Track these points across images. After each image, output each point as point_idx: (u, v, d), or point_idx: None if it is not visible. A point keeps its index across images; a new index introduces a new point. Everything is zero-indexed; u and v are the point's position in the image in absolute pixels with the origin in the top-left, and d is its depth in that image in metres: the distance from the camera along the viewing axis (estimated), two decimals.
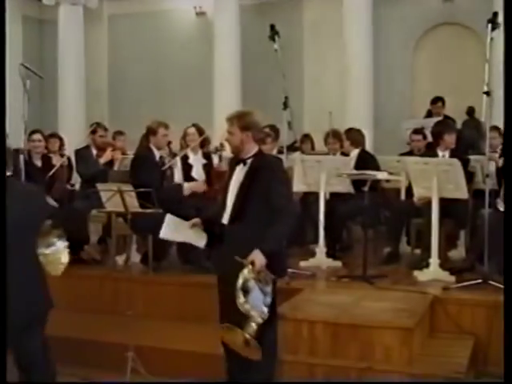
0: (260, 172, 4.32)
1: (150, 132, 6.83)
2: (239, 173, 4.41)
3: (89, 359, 5.42)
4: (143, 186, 6.21)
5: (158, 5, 11.53)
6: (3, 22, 1.77)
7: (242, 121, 4.40)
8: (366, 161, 7.24)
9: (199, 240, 4.62)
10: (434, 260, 6.05)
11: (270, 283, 4.12)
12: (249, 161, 4.39)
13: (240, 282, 3.97)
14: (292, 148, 7.89)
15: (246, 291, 3.98)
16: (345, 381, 4.71)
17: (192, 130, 7.45)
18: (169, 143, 8.14)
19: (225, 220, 4.39)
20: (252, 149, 4.41)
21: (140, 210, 5.85)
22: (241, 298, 3.95)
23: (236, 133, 4.39)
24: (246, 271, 3.99)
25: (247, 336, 3.89)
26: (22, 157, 5.57)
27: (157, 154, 6.84)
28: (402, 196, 7.38)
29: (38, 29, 12.22)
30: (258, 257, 4.08)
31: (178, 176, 7.11)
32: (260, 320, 3.98)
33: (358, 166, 7.02)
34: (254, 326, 3.93)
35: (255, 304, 3.99)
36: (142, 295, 6.26)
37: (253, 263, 4.05)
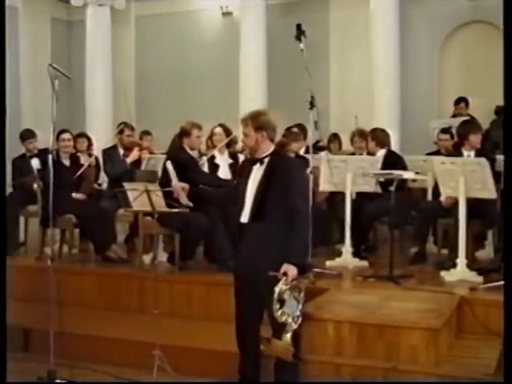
0: (277, 171, 4.35)
1: (184, 133, 6.86)
2: (256, 172, 4.43)
3: (116, 357, 5.45)
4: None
5: (184, 5, 11.57)
6: (3, 21, 1.77)
7: (256, 121, 4.43)
8: (393, 161, 7.19)
9: None
10: (462, 260, 6.00)
11: (302, 289, 4.22)
12: (265, 160, 4.42)
13: (276, 295, 4.04)
14: (318, 147, 7.87)
15: (281, 302, 4.07)
16: (369, 381, 4.69)
17: (219, 130, 7.47)
18: None
19: (243, 219, 4.42)
20: (268, 148, 4.45)
21: (167, 209, 5.87)
22: (278, 311, 4.05)
23: (251, 133, 4.42)
24: (280, 284, 4.08)
25: (285, 344, 4.01)
26: (50, 156, 5.59)
27: (191, 154, 6.88)
28: (429, 196, 7.34)
29: (67, 30, 12.32)
30: (289, 269, 4.14)
31: None
32: (295, 326, 4.09)
33: (385, 167, 6.97)
34: (289, 333, 4.05)
35: (290, 312, 4.10)
36: (169, 294, 6.29)
37: (285, 274, 4.12)
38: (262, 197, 4.34)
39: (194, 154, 6.94)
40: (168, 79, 11.68)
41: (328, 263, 6.78)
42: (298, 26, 6.36)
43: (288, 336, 4.06)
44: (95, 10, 11.36)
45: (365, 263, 6.87)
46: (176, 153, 6.99)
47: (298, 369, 4.48)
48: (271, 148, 4.45)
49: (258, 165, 4.43)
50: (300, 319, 4.18)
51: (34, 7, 11.42)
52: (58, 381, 4.96)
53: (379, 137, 7.54)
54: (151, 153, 8.36)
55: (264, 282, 4.18)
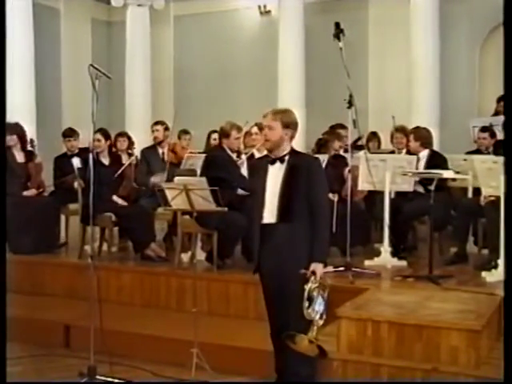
0: (299, 171, 4.35)
1: (223, 134, 6.89)
2: (277, 171, 4.41)
3: (155, 355, 5.49)
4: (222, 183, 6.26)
5: (223, 5, 11.59)
6: (3, 21, 1.80)
7: (285, 117, 4.43)
8: (437, 161, 7.12)
9: None
10: (503, 261, 5.91)
11: (327, 288, 4.26)
12: (286, 158, 4.41)
13: (306, 293, 4.10)
14: (357, 146, 7.83)
15: (310, 300, 4.12)
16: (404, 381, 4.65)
17: (255, 130, 7.48)
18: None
19: (267, 219, 4.41)
20: (287, 147, 4.44)
21: (205, 208, 5.88)
22: (307, 308, 4.10)
23: (277, 128, 4.40)
24: (309, 283, 4.14)
25: (312, 339, 4.04)
26: (90, 155, 5.65)
27: (231, 155, 6.92)
28: (469, 195, 7.25)
29: (107, 31, 12.43)
30: (317, 267, 4.21)
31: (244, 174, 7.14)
32: (321, 322, 4.14)
33: (428, 167, 6.93)
34: (315, 329, 4.09)
35: (318, 309, 4.14)
36: (207, 293, 6.31)
37: (314, 273, 4.17)
38: (289, 197, 4.34)
39: (233, 155, 6.96)
40: (206, 79, 11.72)
41: (367, 263, 6.75)
42: (337, 25, 6.33)
43: (314, 332, 4.10)
44: (135, 10, 11.44)
45: (404, 263, 6.82)
46: (215, 153, 7.01)
47: (316, 364, 4.48)
48: (289, 147, 4.45)
49: (277, 164, 4.42)
50: (324, 316, 4.19)
51: (75, 8, 11.55)
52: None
53: (423, 137, 7.43)
54: (191, 152, 8.38)
55: (293, 281, 4.22)
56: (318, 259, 4.25)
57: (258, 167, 4.59)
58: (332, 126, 8.50)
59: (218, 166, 6.70)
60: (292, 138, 4.48)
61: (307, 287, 4.11)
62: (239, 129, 6.93)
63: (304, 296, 4.09)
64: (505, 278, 2.63)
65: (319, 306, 4.16)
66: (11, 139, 7.85)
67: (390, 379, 4.70)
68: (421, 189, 7.00)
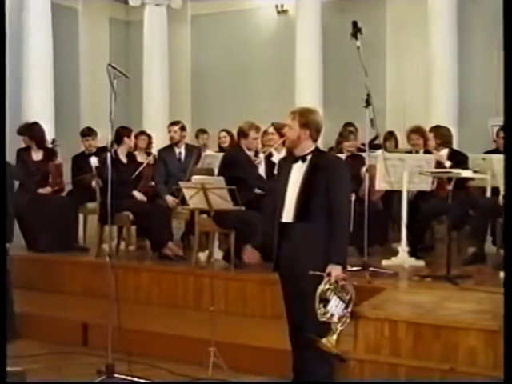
0: (320, 170, 4.35)
1: (242, 134, 6.91)
2: (298, 171, 4.42)
3: (173, 353, 5.50)
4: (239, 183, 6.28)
5: (240, 4, 11.59)
6: (3, 21, 1.79)
7: (303, 117, 4.43)
8: (458, 160, 7.09)
9: None
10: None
11: (351, 291, 4.25)
12: (307, 157, 4.41)
13: (317, 293, 4.11)
14: (374, 145, 7.81)
15: (325, 301, 4.13)
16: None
17: (271, 130, 7.48)
18: None
19: (285, 218, 4.42)
20: (309, 146, 4.44)
21: (223, 207, 5.89)
22: (320, 309, 4.10)
23: (295, 128, 4.42)
24: (323, 284, 4.14)
25: (328, 345, 4.09)
26: (108, 154, 5.68)
27: (249, 153, 6.94)
28: (488, 194, 7.20)
29: (124, 30, 12.47)
30: (333, 269, 4.20)
31: (261, 173, 7.14)
32: (340, 327, 4.14)
33: (449, 166, 6.92)
34: (335, 334, 4.12)
35: (334, 312, 4.14)
36: (224, 292, 6.32)
37: (329, 275, 4.17)
38: (307, 196, 4.35)
39: (251, 154, 6.98)
40: (224, 78, 11.73)
41: (384, 262, 6.74)
42: (355, 24, 6.32)
43: (333, 338, 4.12)
44: (152, 9, 11.48)
45: (421, 263, 6.80)
46: (233, 152, 7.03)
47: (334, 364, 4.47)
48: (312, 147, 4.45)
49: (299, 163, 4.43)
50: (347, 320, 4.21)
51: (93, 8, 11.60)
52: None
53: (444, 135, 7.41)
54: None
55: (309, 281, 4.21)
56: (335, 261, 4.23)
57: (284, 166, 4.60)
58: (344, 124, 8.51)
59: (235, 166, 6.71)
60: (313, 137, 4.46)
61: (320, 288, 4.12)
62: (257, 129, 6.94)
63: (316, 297, 4.10)
64: (505, 277, 2.60)
65: (335, 308, 4.15)
66: (24, 139, 7.91)
67: (407, 379, 4.70)
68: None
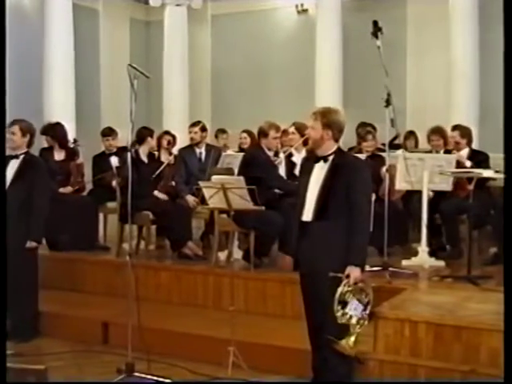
0: (341, 170, 4.35)
1: (262, 133, 6.92)
2: (319, 171, 4.43)
3: (193, 352, 5.51)
4: (259, 182, 6.29)
5: (260, 4, 11.60)
6: (3, 21, 1.79)
7: (325, 118, 4.43)
8: (480, 159, 7.05)
9: None
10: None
11: (369, 293, 4.24)
12: (329, 158, 4.41)
13: (337, 295, 4.09)
14: (394, 145, 7.77)
15: (343, 303, 4.12)
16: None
17: (291, 129, 7.47)
18: None
19: (306, 217, 4.43)
20: (331, 147, 4.44)
21: (243, 207, 5.89)
22: (339, 311, 4.09)
23: (318, 128, 4.42)
24: (341, 286, 4.12)
25: (346, 347, 4.10)
26: (129, 154, 5.70)
27: (269, 153, 6.95)
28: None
29: (145, 30, 12.52)
30: (352, 271, 4.19)
31: (281, 173, 7.13)
32: (358, 329, 4.13)
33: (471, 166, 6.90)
34: (353, 336, 4.11)
35: (354, 314, 4.13)
36: (244, 291, 6.32)
37: (348, 276, 4.16)
38: (327, 196, 4.35)
39: (271, 153, 6.98)
40: (244, 77, 11.74)
41: (404, 262, 6.71)
42: (375, 23, 6.29)
43: (351, 340, 4.11)
44: (173, 10, 11.51)
45: (441, 263, 6.76)
46: (253, 152, 7.03)
47: (353, 363, 4.49)
48: (335, 147, 4.45)
49: (321, 163, 4.43)
50: (365, 322, 4.20)
51: (114, 9, 11.65)
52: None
53: (468, 134, 7.40)
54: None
55: (327, 281, 4.20)
56: (353, 262, 4.22)
57: (306, 166, 4.60)
58: (360, 124, 8.49)
59: (255, 166, 6.72)
60: (335, 137, 4.45)
61: (339, 290, 4.11)
62: (277, 128, 6.94)
63: (335, 298, 4.09)
64: (505, 277, 2.58)
65: (354, 310, 4.14)
66: (47, 139, 7.97)
67: (427, 380, 4.67)
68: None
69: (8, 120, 5.92)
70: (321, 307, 4.29)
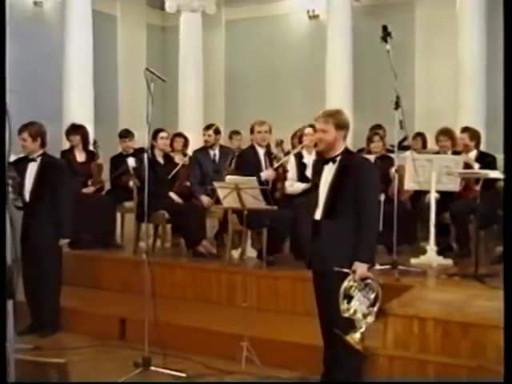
0: (349, 171, 4.35)
1: (250, 130, 7.12)
2: (328, 172, 4.44)
3: (207, 347, 5.52)
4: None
5: (273, 9, 11.59)
6: (3, 22, 1.81)
7: (337, 119, 4.43)
8: (488, 160, 7.01)
9: None
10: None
11: (376, 290, 4.24)
12: (337, 159, 4.41)
13: (342, 290, 4.12)
14: (403, 147, 7.75)
15: (348, 298, 4.13)
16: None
17: (310, 131, 7.44)
18: (281, 142, 8.17)
19: (317, 216, 4.44)
20: (340, 147, 4.44)
21: (256, 206, 5.89)
22: (344, 305, 4.11)
23: (331, 131, 4.40)
24: (346, 281, 4.14)
25: (351, 341, 4.11)
26: (145, 155, 5.72)
27: (259, 150, 7.03)
28: None
29: (161, 35, 12.54)
30: (358, 267, 4.20)
31: (291, 174, 7.12)
32: (364, 324, 4.14)
33: (479, 167, 6.87)
34: (359, 332, 4.12)
35: (358, 309, 4.15)
36: (256, 288, 6.33)
37: (354, 272, 4.18)
38: (335, 195, 4.36)
39: (262, 150, 7.07)
40: (257, 81, 11.74)
41: (413, 261, 6.69)
42: (385, 28, 6.28)
43: (357, 335, 4.12)
44: (188, 15, 11.52)
45: (449, 261, 6.74)
46: (244, 151, 7.15)
47: (362, 360, 4.48)
48: (342, 147, 4.45)
49: (330, 164, 4.43)
50: (372, 318, 4.20)
51: (131, 15, 11.68)
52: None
53: (477, 136, 7.38)
54: None
55: (336, 278, 4.20)
56: (360, 259, 4.23)
57: (317, 168, 4.61)
58: (372, 127, 8.46)
59: (245, 165, 6.86)
60: (345, 137, 4.48)
61: (343, 285, 4.12)
62: (261, 124, 7.09)
63: (340, 293, 4.10)
64: (505, 277, 2.57)
65: (358, 305, 4.15)
66: (74, 139, 8.01)
67: (436, 376, 4.66)
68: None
69: (20, 123, 5.91)
70: (332, 304, 4.29)
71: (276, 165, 7.05)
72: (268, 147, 7.44)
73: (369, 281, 4.23)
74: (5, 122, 1.86)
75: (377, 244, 6.59)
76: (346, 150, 4.48)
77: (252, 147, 7.17)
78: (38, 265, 6.02)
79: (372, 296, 4.23)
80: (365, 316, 4.17)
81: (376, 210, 4.48)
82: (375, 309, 4.24)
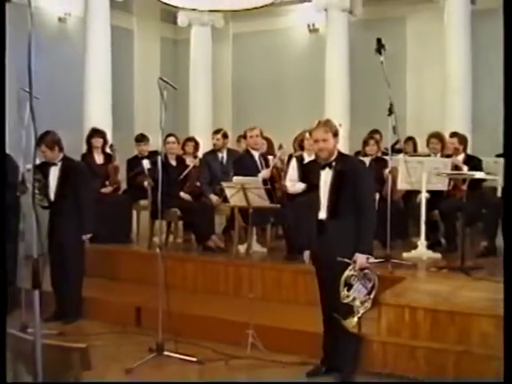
0: (347, 175, 4.41)
1: (243, 136, 7.44)
2: (326, 176, 4.51)
3: (216, 334, 5.54)
4: None
5: (276, 23, 11.58)
6: (3, 22, 1.81)
7: (333, 128, 4.50)
8: (474, 163, 7.02)
9: None
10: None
11: (373, 280, 4.33)
12: (333, 164, 4.46)
13: (343, 278, 4.20)
14: (397, 150, 7.76)
15: (348, 286, 4.23)
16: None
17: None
18: (280, 146, 8.18)
19: (321, 216, 4.51)
20: (335, 152, 4.51)
21: (261, 204, 5.90)
22: (344, 292, 4.20)
23: (330, 139, 4.45)
24: (348, 270, 4.23)
25: (349, 325, 4.23)
26: (159, 158, 5.74)
27: (254, 153, 7.16)
28: (499, 194, 7.11)
29: (173, 47, 12.53)
30: (359, 257, 4.28)
31: (293, 175, 7.13)
32: (362, 310, 4.24)
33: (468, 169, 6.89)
34: (355, 316, 4.22)
35: (357, 296, 4.23)
36: (261, 280, 6.34)
37: (354, 262, 4.26)
38: (337, 198, 4.43)
39: (257, 153, 7.20)
40: (261, 89, 11.72)
41: (405, 255, 6.71)
42: (379, 40, 6.29)
43: (354, 320, 4.21)
44: (198, 29, 11.52)
45: (438, 255, 6.75)
46: (240, 156, 7.36)
47: (360, 345, 4.57)
48: (337, 151, 4.52)
49: (327, 169, 4.50)
50: (368, 306, 4.27)
51: (146, 29, 11.68)
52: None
53: (465, 140, 7.41)
54: None
55: (338, 269, 4.26)
56: (360, 250, 4.30)
57: (312, 170, 4.66)
58: (370, 131, 8.46)
59: (241, 167, 6.92)
60: (338, 142, 4.56)
61: (345, 274, 4.20)
62: (251, 129, 7.20)
63: (341, 281, 4.18)
64: (505, 277, 2.57)
65: (358, 293, 4.24)
66: (98, 141, 8.03)
67: (425, 360, 4.67)
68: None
69: (44, 129, 5.91)
70: (334, 292, 4.32)
71: (271, 164, 7.16)
72: (268, 150, 7.53)
73: (367, 271, 4.28)
74: (5, 122, 1.87)
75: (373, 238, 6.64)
76: (340, 154, 4.53)
77: (247, 152, 7.22)
78: (62, 258, 6.07)
79: (369, 285, 4.31)
80: (362, 303, 4.24)
81: (373, 210, 4.53)
82: (372, 296, 4.29)
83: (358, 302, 4.23)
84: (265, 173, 6.99)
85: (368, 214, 4.39)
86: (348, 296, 4.20)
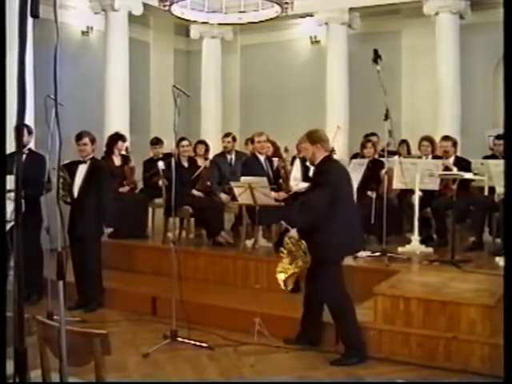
0: (314, 175, 4.88)
1: (251, 141, 7.49)
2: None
3: (225, 322, 5.55)
4: None
5: (281, 36, 11.58)
6: (3, 22, 1.81)
7: (311, 137, 4.80)
8: (464, 165, 7.01)
9: None
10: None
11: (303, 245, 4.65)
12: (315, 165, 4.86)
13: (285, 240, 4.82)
14: (392, 152, 7.74)
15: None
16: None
17: None
18: (286, 149, 8.18)
19: None
20: (321, 156, 4.77)
21: (266, 202, 5.91)
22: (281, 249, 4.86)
23: (308, 147, 4.80)
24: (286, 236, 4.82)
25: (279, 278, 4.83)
26: (173, 159, 5.75)
27: (260, 157, 7.17)
28: (485, 193, 7.09)
29: (186, 58, 12.54)
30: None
31: (297, 175, 7.12)
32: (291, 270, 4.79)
33: (458, 170, 6.88)
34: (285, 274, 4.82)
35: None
36: (267, 272, 6.33)
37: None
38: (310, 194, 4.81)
39: (262, 157, 7.18)
40: (267, 96, 11.72)
41: (399, 249, 6.70)
42: (375, 51, 6.29)
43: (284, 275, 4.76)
44: (209, 41, 11.53)
45: (430, 250, 6.74)
46: (247, 159, 7.39)
47: (345, 291, 4.74)
48: (323, 155, 4.76)
49: (312, 168, 4.95)
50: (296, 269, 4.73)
51: (161, 41, 11.70)
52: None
53: (457, 143, 7.41)
54: None
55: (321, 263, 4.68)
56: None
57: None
58: (366, 134, 8.45)
59: (247, 169, 6.90)
60: (325, 148, 4.79)
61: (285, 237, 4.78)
62: (259, 135, 7.21)
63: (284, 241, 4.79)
64: (505, 277, 2.59)
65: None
66: (123, 145, 8.04)
67: (418, 345, 4.67)
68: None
69: (68, 132, 5.94)
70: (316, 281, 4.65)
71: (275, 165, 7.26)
72: (274, 152, 7.56)
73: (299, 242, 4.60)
74: (5, 122, 1.87)
75: (369, 235, 6.74)
76: (325, 157, 4.77)
77: (254, 155, 7.20)
78: (82, 251, 6.08)
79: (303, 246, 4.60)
80: (291, 262, 4.68)
81: (318, 206, 4.66)
82: (300, 263, 4.64)
83: (286, 261, 4.73)
84: (280, 194, 6.98)
85: (310, 212, 4.70)
86: (283, 252, 4.74)
